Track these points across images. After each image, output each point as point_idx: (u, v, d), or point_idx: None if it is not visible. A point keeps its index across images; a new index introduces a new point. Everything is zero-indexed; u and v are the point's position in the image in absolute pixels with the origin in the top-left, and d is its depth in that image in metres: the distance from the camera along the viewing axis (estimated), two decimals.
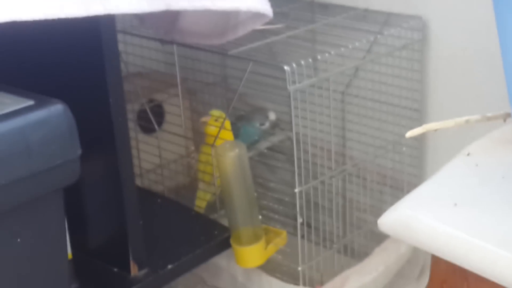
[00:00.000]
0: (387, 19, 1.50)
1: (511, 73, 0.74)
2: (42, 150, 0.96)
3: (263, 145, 1.62)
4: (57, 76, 1.19)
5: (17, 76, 1.21)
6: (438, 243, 0.78)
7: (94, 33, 1.12)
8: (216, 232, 1.42)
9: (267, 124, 1.67)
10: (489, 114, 0.91)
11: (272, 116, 1.65)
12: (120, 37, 1.26)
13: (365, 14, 1.54)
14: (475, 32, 1.41)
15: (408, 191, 1.56)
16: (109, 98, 1.15)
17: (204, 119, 1.48)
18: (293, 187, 1.37)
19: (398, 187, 1.58)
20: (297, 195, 1.36)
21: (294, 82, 1.27)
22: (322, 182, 1.46)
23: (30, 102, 0.98)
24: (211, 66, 1.66)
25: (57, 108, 0.99)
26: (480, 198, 0.84)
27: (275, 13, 1.28)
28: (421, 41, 1.48)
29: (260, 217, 1.39)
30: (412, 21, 1.47)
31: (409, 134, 0.90)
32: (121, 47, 1.32)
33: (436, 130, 0.90)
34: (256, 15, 1.24)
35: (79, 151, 1.02)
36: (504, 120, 0.92)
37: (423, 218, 0.80)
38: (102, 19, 1.09)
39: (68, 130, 1.00)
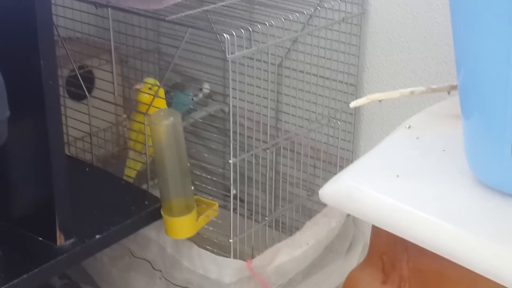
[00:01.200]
0: None
1: (460, 43, 0.73)
2: None
3: (196, 115, 1.59)
4: None
5: None
6: (380, 214, 0.77)
7: None
8: (146, 203, 1.39)
9: (200, 95, 1.65)
10: (434, 86, 0.90)
11: (206, 86, 1.63)
12: None
13: None
14: (414, 7, 1.41)
15: (341, 166, 1.58)
16: (40, 60, 1.11)
17: (137, 86, 1.44)
18: (225, 159, 1.35)
19: (332, 162, 1.58)
20: (231, 166, 1.34)
21: (233, 51, 1.24)
22: (256, 156, 1.44)
23: None
24: (145, 32, 1.62)
25: None
26: (421, 170, 0.83)
27: None
28: (360, 15, 1.47)
29: (192, 188, 1.37)
30: None
31: (353, 104, 0.89)
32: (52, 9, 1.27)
33: (380, 101, 0.89)
34: None
35: (7, 113, 0.97)
36: (449, 93, 0.92)
37: (365, 189, 0.79)
38: None
39: None
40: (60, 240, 1.24)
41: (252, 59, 1.36)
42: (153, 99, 1.38)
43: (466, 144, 0.80)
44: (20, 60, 1.13)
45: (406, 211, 0.76)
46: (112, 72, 1.49)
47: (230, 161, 1.33)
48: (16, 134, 1.08)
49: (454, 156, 0.85)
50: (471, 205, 0.77)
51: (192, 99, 1.56)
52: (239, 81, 1.32)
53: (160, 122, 1.27)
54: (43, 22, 1.09)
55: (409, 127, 0.93)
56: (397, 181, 0.81)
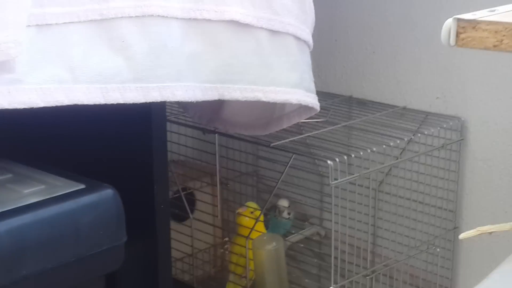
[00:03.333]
0: (425, 118, 1.51)
1: None
2: (90, 234, 0.96)
3: (293, 239, 1.61)
4: (105, 160, 1.20)
5: (68, 158, 1.22)
6: None
7: (144, 120, 1.13)
8: None
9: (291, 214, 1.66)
10: None
11: (283, 204, 1.63)
12: None
13: (403, 113, 1.56)
14: None
15: None
16: (154, 184, 1.15)
17: (240, 210, 1.48)
18: (321, 283, 1.35)
19: None
20: None
21: (336, 177, 1.27)
22: (355, 282, 1.44)
23: (81, 186, 0.98)
24: (245, 155, 1.67)
25: (107, 193, 0.99)
26: None
27: None
28: (459, 141, 1.49)
29: None
30: (451, 122, 1.48)
31: (463, 236, 0.89)
32: None
33: (491, 233, 0.88)
34: (303, 108, 1.25)
35: (125, 238, 1.01)
36: None
37: None
38: (154, 105, 1.11)
39: (116, 216, 0.99)
40: None
41: (354, 184, 1.38)
42: (255, 223, 1.41)
43: None
44: (135, 186, 1.18)
45: None
46: (212, 195, 1.53)
47: (331, 287, 1.33)
48: (127, 259, 1.11)
49: None
50: None
51: (289, 219, 1.58)
52: (339, 206, 1.34)
53: (264, 247, 1.30)
54: (158, 149, 1.15)
55: None
56: None
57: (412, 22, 1.55)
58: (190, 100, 1.03)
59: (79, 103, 0.90)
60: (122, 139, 1.18)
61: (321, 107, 1.56)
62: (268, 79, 1.10)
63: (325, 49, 1.71)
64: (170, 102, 1.51)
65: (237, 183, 1.71)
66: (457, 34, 0.75)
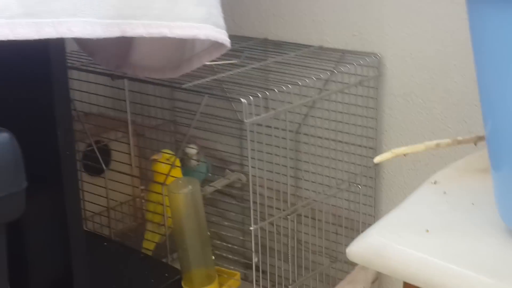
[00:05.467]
0: (342, 56, 1.49)
1: (486, 91, 0.72)
2: None
3: (216, 185, 1.57)
4: (3, 107, 1.13)
5: None
6: (412, 270, 0.74)
7: (43, 64, 1.06)
8: (166, 275, 1.35)
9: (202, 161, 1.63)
10: (459, 138, 0.88)
11: (191, 146, 1.58)
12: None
13: (319, 52, 1.53)
14: (431, 68, 1.41)
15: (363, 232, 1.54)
16: (57, 130, 1.10)
17: (155, 156, 1.43)
18: (245, 228, 1.32)
19: (353, 228, 1.55)
20: (252, 234, 1.31)
21: (250, 115, 1.23)
22: (277, 225, 1.42)
23: None
24: (160, 101, 1.62)
25: (2, 137, 0.92)
26: (451, 224, 0.80)
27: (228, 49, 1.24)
28: (376, 77, 1.47)
29: (213, 258, 1.34)
30: (368, 58, 1.45)
31: (377, 159, 0.87)
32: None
33: (405, 154, 0.86)
34: (213, 46, 1.20)
35: (25, 183, 0.95)
36: (475, 144, 0.90)
37: (395, 245, 0.76)
38: (52, 48, 1.05)
39: (13, 160, 0.93)
40: None
41: (270, 127, 1.35)
42: (170, 168, 1.37)
43: (498, 195, 0.77)
44: (36, 131, 1.12)
45: (439, 266, 0.73)
46: (129, 144, 1.48)
47: (251, 228, 1.30)
48: (32, 209, 1.05)
49: (484, 209, 0.83)
50: (506, 257, 0.73)
51: (197, 166, 1.55)
52: (257, 150, 1.31)
53: (179, 191, 1.26)
54: (59, 92, 1.09)
55: (435, 183, 0.90)
56: (427, 236, 0.78)
57: None
58: (89, 37, 0.97)
59: None
60: (21, 84, 1.12)
61: (235, 50, 1.53)
62: (173, 14, 1.05)
63: None
64: (78, 50, 1.44)
65: (154, 131, 1.66)
66: None
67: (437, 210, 0.84)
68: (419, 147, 0.87)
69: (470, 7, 0.71)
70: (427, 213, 0.83)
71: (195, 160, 1.55)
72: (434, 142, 0.87)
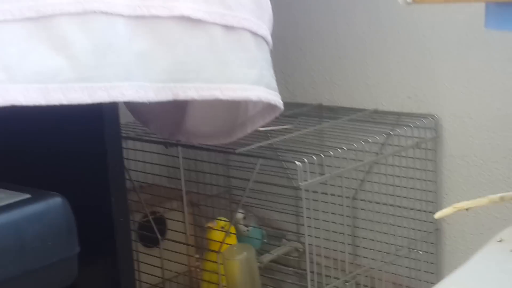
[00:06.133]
0: (398, 119, 1.46)
1: None
2: (37, 246, 0.89)
3: (271, 256, 1.54)
4: (57, 173, 1.14)
5: (16, 171, 1.15)
6: None
7: (98, 131, 1.08)
8: None
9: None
10: None
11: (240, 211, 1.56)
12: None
13: (375, 115, 1.51)
14: (490, 127, 1.37)
15: None
16: (111, 197, 1.09)
17: (209, 224, 1.41)
18: None
19: None
20: None
21: (305, 180, 1.21)
22: None
23: (27, 196, 0.92)
24: (214, 167, 1.60)
25: (55, 201, 0.92)
26: None
27: (282, 115, 1.23)
28: (434, 139, 1.43)
29: None
30: (424, 120, 1.42)
31: (438, 214, 0.83)
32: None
33: (467, 209, 0.83)
34: (266, 109, 1.19)
35: (77, 249, 0.94)
36: None
37: None
38: (107, 116, 1.06)
39: (66, 225, 0.92)
40: None
41: (326, 193, 1.31)
42: (225, 236, 1.34)
43: None
44: (91, 198, 1.11)
45: None
46: (183, 212, 1.47)
47: None
48: (85, 276, 1.04)
49: None
50: None
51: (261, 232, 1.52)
52: (313, 218, 1.28)
53: (234, 257, 1.23)
54: (113, 158, 1.09)
55: (500, 241, 0.86)
56: None
57: (378, 23, 1.50)
58: (141, 101, 0.96)
59: (17, 103, 0.84)
60: (76, 150, 1.12)
61: (289, 115, 1.52)
62: (225, 77, 1.04)
63: (291, 59, 1.66)
64: (134, 121, 1.45)
65: (208, 197, 1.64)
66: None
67: (505, 269, 0.79)
68: (482, 201, 0.83)
69: None
70: (494, 272, 0.79)
71: (242, 225, 1.52)
72: (498, 195, 0.83)
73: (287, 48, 1.66)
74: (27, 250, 0.87)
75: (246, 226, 1.53)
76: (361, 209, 1.52)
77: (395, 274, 1.49)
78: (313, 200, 1.28)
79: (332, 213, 1.34)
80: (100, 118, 1.09)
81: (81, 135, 1.12)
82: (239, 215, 1.52)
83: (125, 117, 1.39)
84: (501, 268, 0.79)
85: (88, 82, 0.90)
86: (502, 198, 0.83)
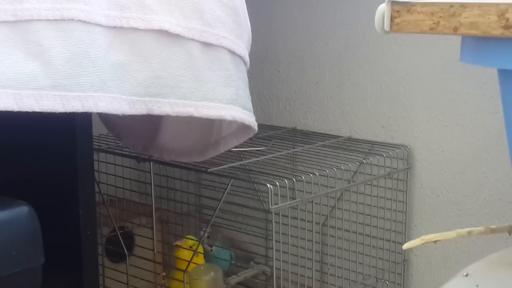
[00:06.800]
0: (371, 148, 1.46)
1: None
2: (1, 254, 0.87)
3: (237, 279, 1.53)
4: (27, 181, 1.12)
5: None
6: None
7: (69, 142, 1.06)
8: None
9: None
10: (493, 226, 0.84)
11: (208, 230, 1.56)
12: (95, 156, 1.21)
13: (348, 142, 1.51)
14: (462, 162, 1.38)
15: None
16: (79, 209, 1.08)
17: (178, 242, 1.40)
18: None
19: None
20: None
21: (276, 203, 1.20)
22: None
23: None
24: (185, 185, 1.60)
25: (21, 210, 0.90)
26: None
27: (256, 137, 1.23)
28: (406, 170, 1.44)
29: None
30: (397, 150, 1.43)
31: (406, 245, 0.83)
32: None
33: (435, 242, 0.82)
34: (240, 130, 1.19)
35: (42, 259, 0.92)
36: (509, 233, 0.86)
37: None
38: (79, 127, 1.05)
39: (32, 235, 0.91)
40: None
41: (296, 218, 1.31)
42: (193, 255, 1.33)
43: None
44: (58, 209, 1.10)
45: None
46: (152, 228, 1.45)
47: None
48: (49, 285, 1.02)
49: None
50: None
51: (230, 253, 1.51)
52: (282, 242, 1.27)
53: (201, 277, 1.22)
54: (84, 170, 1.08)
55: (466, 275, 0.86)
56: None
57: (356, 50, 1.51)
58: (115, 113, 0.95)
59: None
60: (46, 160, 1.11)
61: (263, 138, 1.52)
62: (200, 94, 1.04)
63: (267, 80, 1.66)
64: (107, 134, 1.44)
65: (179, 215, 1.63)
66: (392, 18, 0.71)
67: None
68: (451, 234, 0.83)
69: (503, 81, 0.68)
70: None
71: (206, 243, 1.51)
72: (466, 230, 0.83)
73: (264, 69, 1.66)
74: None
75: (210, 246, 1.52)
76: (330, 235, 1.52)
77: None
78: (283, 224, 1.28)
79: (301, 238, 1.33)
80: (72, 128, 1.08)
81: (52, 144, 1.11)
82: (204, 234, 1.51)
83: (98, 129, 1.38)
84: None
85: (62, 90, 0.89)
86: (470, 233, 0.83)
